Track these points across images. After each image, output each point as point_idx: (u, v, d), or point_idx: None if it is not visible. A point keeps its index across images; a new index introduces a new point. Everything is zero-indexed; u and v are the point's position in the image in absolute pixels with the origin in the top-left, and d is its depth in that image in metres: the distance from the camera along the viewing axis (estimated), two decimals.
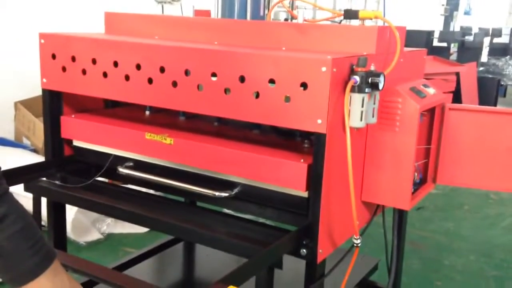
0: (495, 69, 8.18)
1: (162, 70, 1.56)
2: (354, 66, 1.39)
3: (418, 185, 1.69)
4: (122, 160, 1.75)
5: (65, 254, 1.60)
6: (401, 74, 1.65)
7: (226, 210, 1.84)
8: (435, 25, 11.17)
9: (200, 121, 1.85)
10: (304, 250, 1.43)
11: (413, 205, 1.60)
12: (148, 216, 1.57)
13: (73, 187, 1.74)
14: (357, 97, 1.38)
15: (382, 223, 1.78)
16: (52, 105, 1.84)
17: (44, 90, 1.83)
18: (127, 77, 1.63)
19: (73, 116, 1.85)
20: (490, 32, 9.68)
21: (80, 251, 3.18)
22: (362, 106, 1.38)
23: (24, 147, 4.13)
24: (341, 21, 1.78)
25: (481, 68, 8.08)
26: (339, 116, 1.39)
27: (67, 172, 1.86)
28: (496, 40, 9.78)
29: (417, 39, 6.91)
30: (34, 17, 4.46)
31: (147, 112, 1.94)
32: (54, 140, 1.86)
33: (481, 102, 6.22)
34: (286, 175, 1.45)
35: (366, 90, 1.38)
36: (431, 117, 1.70)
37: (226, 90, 1.47)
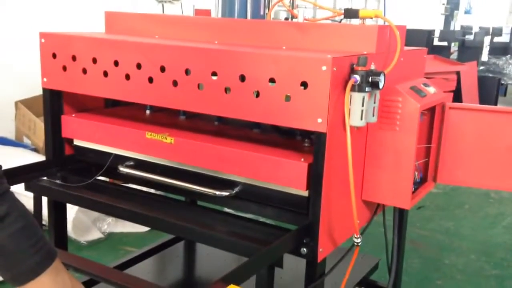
0: (495, 68, 8.18)
1: (162, 69, 1.56)
2: (354, 65, 1.39)
3: (418, 184, 1.69)
4: (122, 159, 1.75)
5: (66, 253, 1.60)
6: (402, 73, 1.65)
7: (226, 209, 1.84)
8: (436, 24, 11.17)
9: (200, 120, 1.85)
10: (305, 249, 1.43)
11: (413, 204, 1.60)
12: (149, 215, 1.57)
13: (73, 186, 1.74)
14: (357, 96, 1.38)
15: (383, 222, 1.78)
16: (53, 104, 1.84)
17: (44, 90, 1.83)
18: (127, 77, 1.63)
19: (73, 115, 1.85)
20: (491, 31, 9.68)
21: (81, 250, 3.18)
22: (363, 105, 1.38)
23: (24, 146, 4.13)
24: (341, 20, 1.78)
25: (481, 67, 8.08)
26: (340, 115, 1.39)
27: (68, 171, 1.86)
28: (496, 39, 9.78)
29: (418, 38, 6.91)
30: (35, 16, 4.46)
31: (148, 112, 1.94)
32: (55, 139, 1.86)
33: (482, 101, 6.22)
34: (286, 174, 1.45)
35: (367, 89, 1.38)
36: (432, 116, 1.70)
37: (227, 89, 1.47)
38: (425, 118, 1.69)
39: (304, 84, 1.35)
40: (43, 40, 1.79)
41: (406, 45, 1.75)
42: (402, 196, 1.56)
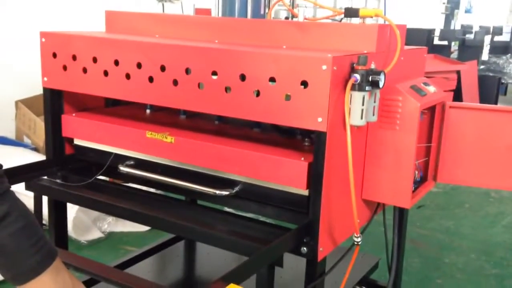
0: (495, 67, 8.18)
1: (162, 68, 1.57)
2: (354, 64, 1.39)
3: (418, 183, 1.69)
4: (123, 159, 1.75)
5: (66, 252, 1.60)
6: (402, 72, 1.65)
7: (226, 209, 1.84)
8: (436, 23, 11.17)
9: (200, 120, 1.85)
10: (305, 248, 1.43)
11: (413, 203, 1.60)
12: (149, 215, 1.57)
13: (74, 186, 1.75)
14: (357, 95, 1.38)
15: (383, 222, 1.78)
16: (53, 103, 1.84)
17: (45, 89, 1.83)
18: (127, 76, 1.63)
19: (74, 114, 1.86)
20: (491, 30, 9.69)
21: (81, 250, 3.18)
22: (363, 104, 1.38)
23: (25, 146, 4.13)
24: (341, 19, 1.78)
25: (481, 67, 8.08)
26: (340, 114, 1.39)
27: (68, 170, 1.86)
28: (497, 38, 9.78)
29: (418, 37, 6.91)
30: (35, 16, 4.46)
31: (148, 111, 1.94)
32: (55, 138, 1.86)
33: (482, 101, 6.22)
34: (286, 173, 1.45)
35: (367, 88, 1.38)
36: (432, 115, 1.71)
37: (227, 89, 1.47)
38: (425, 117, 1.69)
39: (304, 83, 1.36)
40: (43, 40, 1.79)
41: (407, 44, 1.75)
42: (402, 195, 1.56)
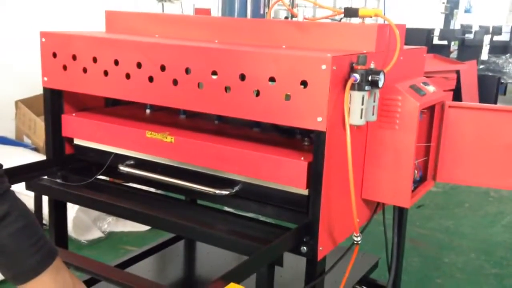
0: (495, 67, 8.19)
1: (162, 68, 1.57)
2: (354, 64, 1.39)
3: (418, 182, 1.69)
4: (123, 159, 1.76)
5: (66, 252, 1.60)
6: (401, 72, 1.65)
7: (226, 208, 1.85)
8: (436, 23, 11.17)
9: (200, 120, 1.86)
10: (305, 248, 1.43)
11: (413, 202, 1.61)
12: (149, 214, 1.57)
13: (74, 186, 1.75)
14: (357, 95, 1.38)
15: (382, 221, 1.78)
16: (53, 103, 1.84)
17: (45, 89, 1.83)
18: (127, 76, 1.64)
19: (74, 114, 1.86)
20: (491, 30, 9.69)
21: (81, 250, 3.18)
22: (362, 104, 1.39)
23: (25, 146, 4.13)
24: (341, 19, 1.78)
25: (481, 66, 8.09)
26: (339, 114, 1.39)
27: (68, 170, 1.86)
28: (496, 38, 9.79)
29: (417, 37, 6.91)
30: (35, 16, 4.47)
31: (148, 111, 1.94)
32: (55, 138, 1.86)
33: (481, 100, 6.22)
34: (286, 173, 1.46)
35: (366, 88, 1.39)
36: (431, 115, 1.71)
37: (227, 88, 1.48)
38: (425, 116, 1.69)
39: (304, 83, 1.36)
40: (43, 40, 1.79)
41: (406, 44, 1.75)
42: (401, 195, 1.56)
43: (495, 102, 6.66)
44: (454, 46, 8.43)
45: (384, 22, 1.61)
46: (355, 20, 1.66)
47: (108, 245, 3.31)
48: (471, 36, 8.61)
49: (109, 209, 1.74)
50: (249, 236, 1.43)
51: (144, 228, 3.43)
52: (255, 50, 1.46)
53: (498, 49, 9.16)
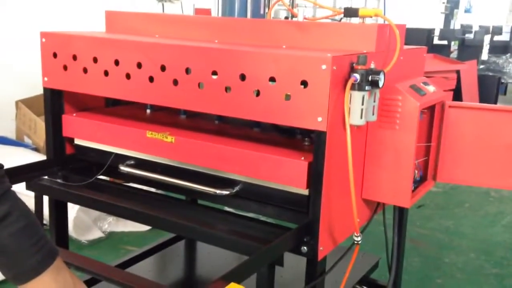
0: (495, 67, 8.19)
1: (163, 68, 1.57)
2: (354, 64, 1.39)
3: (418, 182, 1.69)
4: (123, 159, 1.76)
5: (67, 252, 1.61)
6: (401, 72, 1.65)
7: (227, 208, 1.85)
8: (436, 23, 11.17)
9: (200, 120, 1.86)
10: (305, 248, 1.43)
11: (413, 202, 1.61)
12: (150, 214, 1.57)
13: (74, 186, 1.75)
14: (357, 95, 1.38)
15: (383, 221, 1.78)
16: (53, 103, 1.84)
17: (45, 89, 1.84)
18: (128, 76, 1.64)
19: (74, 114, 1.86)
20: (491, 30, 9.70)
21: (82, 250, 3.18)
22: (362, 104, 1.39)
23: (25, 146, 4.14)
24: (341, 19, 1.78)
25: (481, 66, 8.09)
26: (339, 114, 1.39)
27: (69, 170, 1.86)
28: (496, 38, 9.79)
29: (418, 37, 6.91)
30: (35, 16, 4.47)
31: (148, 111, 1.94)
32: (56, 138, 1.86)
33: (482, 100, 6.23)
34: (286, 173, 1.46)
35: (366, 88, 1.39)
36: (431, 114, 1.71)
37: (227, 89, 1.48)
38: (425, 116, 1.69)
39: (304, 83, 1.36)
40: (43, 40, 1.79)
41: (406, 44, 1.75)
42: (402, 195, 1.56)
43: (495, 102, 6.66)
44: (454, 46, 8.43)
45: (384, 22, 1.61)
46: (355, 20, 1.66)
47: (108, 245, 3.31)
48: (471, 36, 8.61)
49: (110, 209, 1.74)
50: (250, 236, 1.43)
51: (145, 228, 3.44)
52: (255, 50, 1.46)
53: (498, 49, 9.16)
